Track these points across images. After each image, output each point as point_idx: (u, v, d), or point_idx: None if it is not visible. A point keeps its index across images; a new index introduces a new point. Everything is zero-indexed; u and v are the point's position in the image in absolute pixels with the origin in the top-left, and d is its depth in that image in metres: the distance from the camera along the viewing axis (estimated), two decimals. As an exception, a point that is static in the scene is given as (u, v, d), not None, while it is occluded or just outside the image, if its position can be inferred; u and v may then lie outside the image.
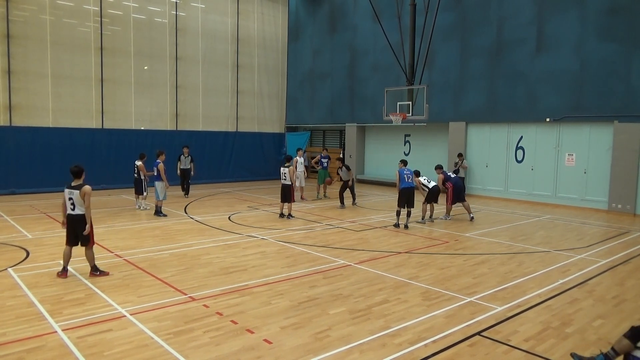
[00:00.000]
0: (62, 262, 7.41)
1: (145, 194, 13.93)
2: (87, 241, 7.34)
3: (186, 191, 17.00)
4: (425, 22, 15.57)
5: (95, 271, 7.42)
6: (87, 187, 7.27)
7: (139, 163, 13.82)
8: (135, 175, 13.88)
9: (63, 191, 7.35)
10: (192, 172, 16.98)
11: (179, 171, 16.81)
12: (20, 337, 5.15)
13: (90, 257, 7.41)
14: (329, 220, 12.80)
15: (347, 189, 15.47)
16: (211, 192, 18.43)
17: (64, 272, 7.33)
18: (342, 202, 15.29)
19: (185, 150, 16.97)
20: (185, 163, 16.89)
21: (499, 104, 17.37)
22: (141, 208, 13.94)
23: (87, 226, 7.27)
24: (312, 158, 18.47)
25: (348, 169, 15.68)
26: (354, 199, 15.68)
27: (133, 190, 14.34)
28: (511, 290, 7.13)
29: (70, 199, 7.26)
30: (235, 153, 22.93)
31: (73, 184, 7.31)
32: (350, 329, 5.55)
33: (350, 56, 22.61)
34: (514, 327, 5.71)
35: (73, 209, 7.28)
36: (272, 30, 24.34)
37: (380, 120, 18.02)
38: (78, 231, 7.30)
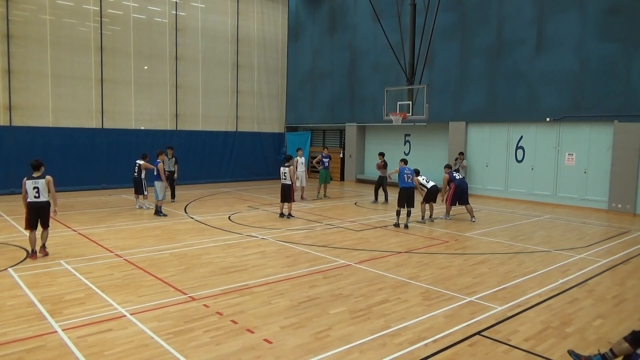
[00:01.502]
0: (30, 247, 8.36)
1: (146, 193, 13.92)
2: (48, 224, 8.47)
3: (172, 195, 15.72)
4: (425, 21, 15.57)
5: (45, 248, 8.54)
6: (49, 177, 8.37)
7: (141, 162, 13.79)
8: (135, 175, 13.86)
9: (24, 185, 8.32)
10: (175, 175, 15.73)
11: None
12: (20, 336, 5.15)
13: (46, 236, 8.55)
14: (329, 220, 12.80)
15: (381, 186, 16.24)
16: (211, 192, 18.44)
17: (34, 254, 8.30)
18: (376, 198, 16.31)
19: (170, 151, 15.59)
20: (169, 165, 15.37)
21: (499, 104, 17.37)
22: (144, 208, 13.94)
23: (55, 208, 8.41)
24: (314, 158, 18.40)
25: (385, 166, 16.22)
26: (386, 197, 16.22)
27: (133, 190, 14.32)
28: (511, 289, 7.13)
29: (35, 188, 8.24)
30: (235, 153, 22.93)
31: (34, 175, 8.31)
32: (350, 328, 5.55)
33: (350, 56, 22.61)
34: (514, 326, 5.71)
35: (38, 197, 8.27)
36: (272, 30, 24.33)
37: (380, 120, 18.03)
38: (41, 215, 8.32)
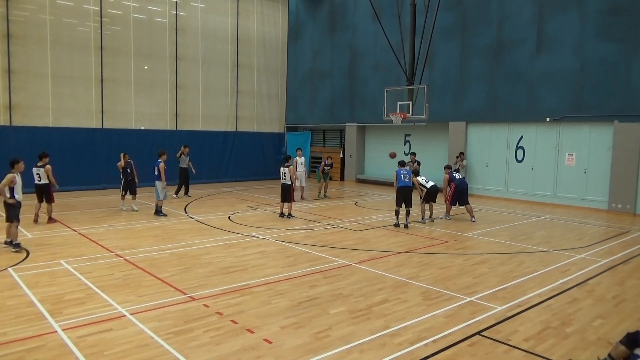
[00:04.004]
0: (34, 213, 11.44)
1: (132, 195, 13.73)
2: (48, 200, 11.44)
3: (186, 190, 17.05)
4: (425, 21, 15.56)
5: (51, 219, 11.49)
6: (48, 166, 11.28)
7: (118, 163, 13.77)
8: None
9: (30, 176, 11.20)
10: (194, 171, 17.18)
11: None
12: (20, 336, 5.15)
13: (50, 210, 11.53)
14: (329, 220, 12.80)
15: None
16: (211, 192, 18.43)
17: (36, 218, 11.39)
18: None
19: (186, 149, 17.02)
20: (184, 162, 16.94)
21: (499, 104, 17.37)
22: (133, 208, 13.54)
23: (54, 186, 11.42)
24: (314, 159, 18.34)
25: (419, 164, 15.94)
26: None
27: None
28: (511, 290, 7.13)
29: (37, 174, 11.27)
30: (235, 153, 22.93)
31: (39, 164, 11.27)
32: (350, 328, 5.55)
33: (350, 56, 22.61)
34: (514, 326, 5.71)
35: (40, 180, 11.29)
36: (272, 30, 24.33)
37: (380, 120, 18.02)
38: (43, 193, 11.34)
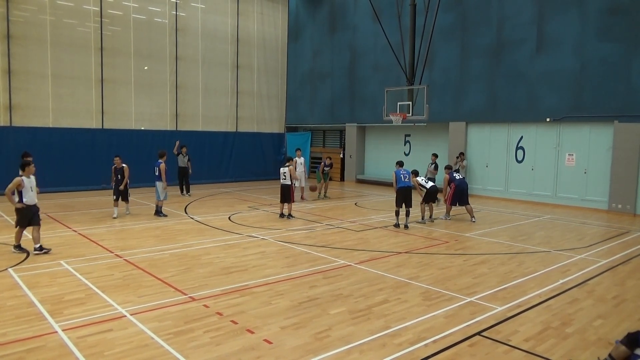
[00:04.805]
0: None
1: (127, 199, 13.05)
2: None
3: (187, 189, 17.51)
4: (425, 22, 15.57)
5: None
6: (30, 167, 10.29)
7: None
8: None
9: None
10: (190, 171, 17.62)
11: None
12: (20, 337, 5.15)
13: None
14: (329, 220, 12.80)
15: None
16: (211, 192, 18.44)
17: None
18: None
19: (183, 149, 17.36)
20: (183, 162, 17.26)
21: (499, 104, 17.37)
22: (126, 212, 13.11)
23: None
24: (314, 159, 18.39)
25: (436, 168, 15.81)
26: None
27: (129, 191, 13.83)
28: (511, 290, 7.13)
29: None
30: (235, 153, 22.93)
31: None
32: (350, 329, 5.55)
33: (350, 56, 22.62)
34: (514, 327, 5.71)
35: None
36: (272, 31, 24.33)
37: (380, 120, 18.03)
38: None
